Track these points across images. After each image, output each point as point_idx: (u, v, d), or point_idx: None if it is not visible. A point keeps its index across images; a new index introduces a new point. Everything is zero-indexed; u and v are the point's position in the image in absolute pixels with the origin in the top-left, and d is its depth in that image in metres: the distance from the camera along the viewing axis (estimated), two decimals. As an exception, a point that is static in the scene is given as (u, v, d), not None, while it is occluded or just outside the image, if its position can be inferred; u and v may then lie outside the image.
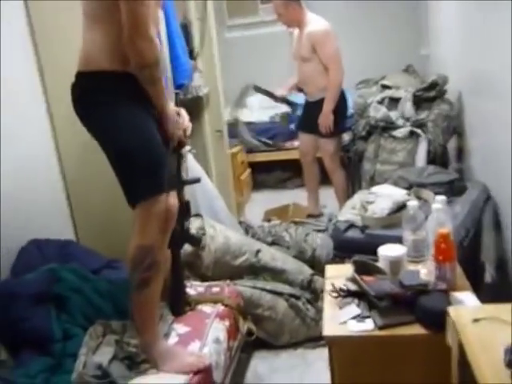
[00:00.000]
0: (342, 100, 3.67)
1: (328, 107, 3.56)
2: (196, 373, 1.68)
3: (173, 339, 1.86)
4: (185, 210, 1.97)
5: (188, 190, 2.45)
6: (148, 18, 1.53)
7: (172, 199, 1.67)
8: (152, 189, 1.62)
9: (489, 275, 2.62)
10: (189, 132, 1.91)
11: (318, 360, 2.30)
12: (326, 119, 3.58)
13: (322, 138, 3.69)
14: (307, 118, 3.76)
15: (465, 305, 1.53)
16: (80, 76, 1.66)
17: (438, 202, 1.80)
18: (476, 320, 1.26)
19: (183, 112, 1.90)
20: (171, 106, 1.78)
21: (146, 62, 1.56)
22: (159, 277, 1.71)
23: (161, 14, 1.84)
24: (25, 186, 2.30)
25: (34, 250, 2.17)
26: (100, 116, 1.63)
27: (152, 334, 1.72)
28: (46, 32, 2.43)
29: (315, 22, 3.56)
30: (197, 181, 2.16)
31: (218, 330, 1.97)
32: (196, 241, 2.30)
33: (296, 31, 3.72)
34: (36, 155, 2.43)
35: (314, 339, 2.42)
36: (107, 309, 1.90)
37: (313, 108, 3.67)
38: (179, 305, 2.04)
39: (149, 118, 1.67)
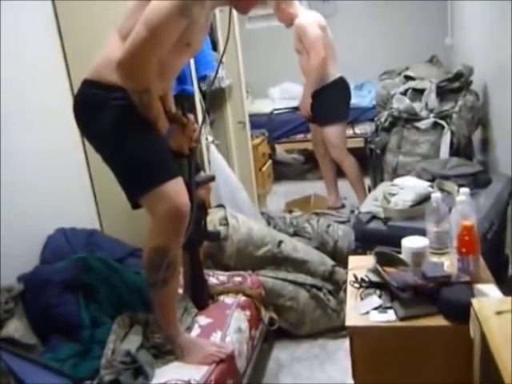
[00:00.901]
0: (342, 88, 3.76)
1: (306, 92, 3.73)
2: (219, 362, 1.71)
3: (195, 331, 1.89)
4: (201, 208, 1.98)
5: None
6: (147, 53, 1.51)
7: (179, 198, 1.62)
8: (147, 184, 1.62)
9: (512, 268, 2.61)
10: (196, 135, 1.93)
11: (339, 350, 2.32)
12: (303, 104, 3.75)
13: (322, 127, 3.77)
14: (311, 108, 3.84)
15: (488, 297, 1.53)
16: (86, 84, 1.68)
17: (462, 194, 1.79)
18: (499, 312, 1.26)
19: (191, 117, 1.93)
20: (166, 125, 1.75)
21: (131, 88, 1.57)
22: (175, 275, 1.73)
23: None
24: (50, 175, 2.35)
25: (61, 238, 2.22)
26: (97, 123, 1.65)
27: (173, 328, 1.75)
28: (70, 18, 2.44)
29: (301, 16, 3.69)
30: (211, 179, 2.16)
31: (239, 319, 2.00)
32: (214, 236, 2.31)
33: None
34: (61, 144, 2.47)
35: (335, 330, 2.44)
36: (134, 300, 1.93)
37: (313, 98, 3.75)
38: (202, 299, 2.07)
39: (147, 125, 1.66)
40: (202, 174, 2.14)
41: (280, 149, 5.20)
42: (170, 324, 1.75)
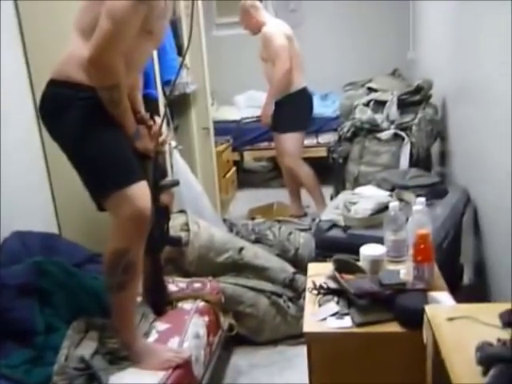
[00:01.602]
0: (304, 99, 3.81)
1: (267, 101, 3.76)
2: (175, 368, 1.69)
3: (152, 337, 1.87)
4: (164, 213, 1.98)
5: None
6: (115, 45, 1.54)
7: (141, 202, 1.62)
8: (111, 185, 1.62)
9: (467, 277, 2.69)
10: (162, 139, 1.92)
11: (298, 357, 2.32)
12: (264, 110, 3.78)
13: (279, 135, 3.81)
14: (273, 117, 3.87)
15: (441, 304, 1.57)
16: (53, 84, 1.68)
17: (418, 203, 1.84)
18: (451, 319, 1.29)
19: (158, 120, 1.93)
20: (134, 124, 1.77)
21: (102, 85, 1.59)
22: (135, 279, 1.72)
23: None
24: (7, 176, 2.29)
25: (16, 241, 2.15)
26: (64, 122, 1.66)
27: (130, 334, 1.73)
28: (32, 17, 2.39)
29: (267, 24, 3.72)
30: (175, 184, 2.16)
31: (197, 325, 1.99)
32: (176, 241, 2.31)
33: None
34: (19, 146, 2.41)
35: (295, 336, 2.45)
36: (91, 305, 1.90)
37: (276, 106, 3.79)
38: (160, 305, 2.05)
39: (114, 126, 1.68)
40: (166, 178, 2.13)
41: (248, 156, 5.23)
42: (128, 329, 1.73)
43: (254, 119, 4.89)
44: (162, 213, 1.91)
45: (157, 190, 1.86)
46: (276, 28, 3.71)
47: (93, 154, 1.64)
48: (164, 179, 2.07)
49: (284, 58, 3.62)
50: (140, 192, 1.63)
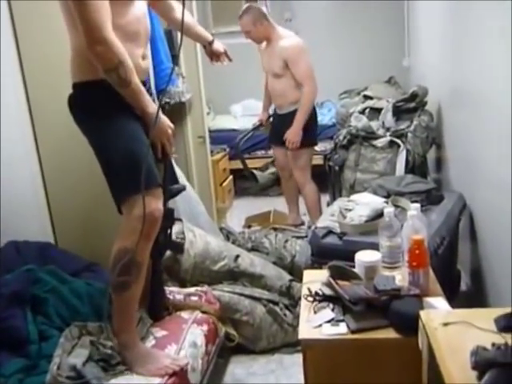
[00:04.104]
0: (313, 112, 3.63)
1: (299, 125, 3.48)
2: (171, 376, 1.68)
3: (150, 342, 1.87)
4: (169, 217, 1.98)
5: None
6: (102, 21, 1.52)
7: (154, 204, 1.67)
8: (129, 189, 1.66)
9: (464, 283, 2.68)
10: (171, 140, 1.90)
11: (295, 365, 2.31)
12: (295, 136, 3.49)
13: (292, 151, 3.61)
14: (277, 130, 3.71)
15: (436, 309, 1.56)
16: (73, 87, 1.74)
17: (413, 209, 1.84)
18: (445, 324, 1.29)
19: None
20: (153, 107, 1.74)
21: (108, 66, 1.57)
22: (140, 280, 1.72)
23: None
24: (4, 187, 2.29)
25: (12, 251, 2.16)
26: (86, 123, 1.73)
27: (129, 336, 1.74)
28: (27, 24, 2.39)
29: (287, 38, 3.50)
30: (182, 189, 2.17)
31: (195, 334, 1.98)
32: (178, 247, 2.31)
33: (263, 45, 3.65)
34: (15, 158, 2.41)
35: (292, 345, 2.43)
36: (85, 310, 1.90)
37: (283, 120, 3.62)
38: (158, 309, 2.05)
39: (131, 122, 1.71)
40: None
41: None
42: (128, 331, 1.74)
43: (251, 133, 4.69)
44: (167, 217, 1.92)
45: (166, 194, 1.88)
46: (301, 43, 3.46)
47: (111, 161, 1.68)
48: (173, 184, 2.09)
49: (314, 79, 3.44)
50: (155, 195, 1.69)
